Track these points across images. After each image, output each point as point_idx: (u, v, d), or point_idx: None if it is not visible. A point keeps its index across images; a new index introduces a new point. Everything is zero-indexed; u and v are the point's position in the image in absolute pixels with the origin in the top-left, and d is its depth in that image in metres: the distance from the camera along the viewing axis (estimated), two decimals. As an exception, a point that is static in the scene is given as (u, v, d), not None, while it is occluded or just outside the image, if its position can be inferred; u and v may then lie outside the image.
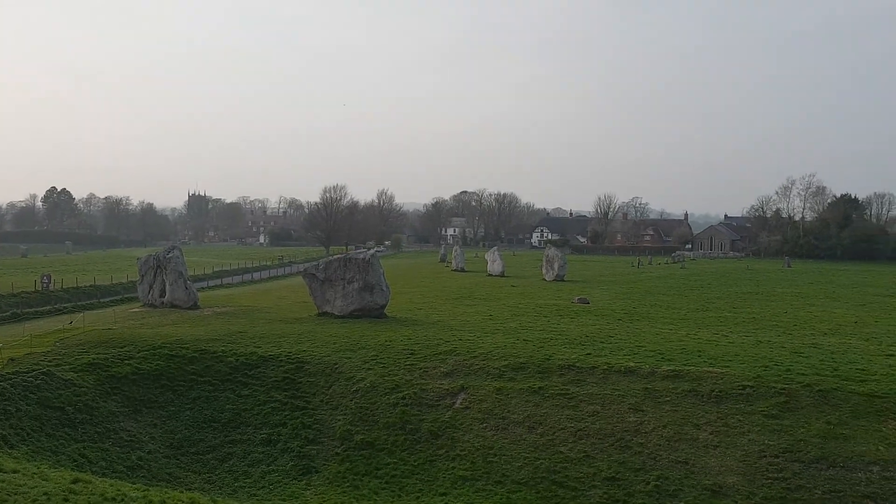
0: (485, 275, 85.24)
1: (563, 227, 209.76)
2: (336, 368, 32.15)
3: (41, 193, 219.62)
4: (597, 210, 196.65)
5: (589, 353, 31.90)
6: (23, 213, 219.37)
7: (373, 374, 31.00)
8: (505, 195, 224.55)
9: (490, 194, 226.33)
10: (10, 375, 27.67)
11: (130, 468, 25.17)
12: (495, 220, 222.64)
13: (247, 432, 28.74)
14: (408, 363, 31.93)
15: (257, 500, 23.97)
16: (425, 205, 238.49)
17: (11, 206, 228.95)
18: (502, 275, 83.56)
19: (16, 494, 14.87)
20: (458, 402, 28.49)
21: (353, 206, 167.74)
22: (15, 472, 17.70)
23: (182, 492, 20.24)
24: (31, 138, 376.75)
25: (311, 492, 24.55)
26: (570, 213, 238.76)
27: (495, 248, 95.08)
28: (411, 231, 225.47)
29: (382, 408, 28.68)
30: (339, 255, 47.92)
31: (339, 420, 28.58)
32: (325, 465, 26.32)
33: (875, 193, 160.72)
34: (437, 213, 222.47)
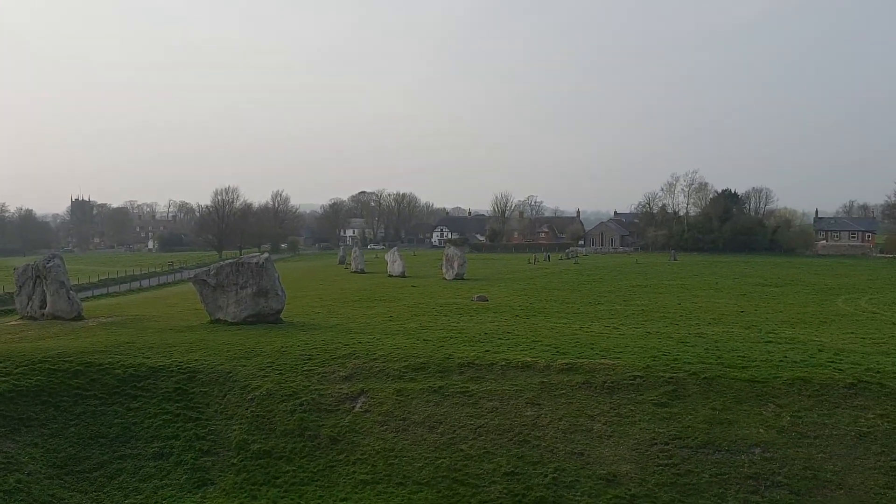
0: (385, 276, 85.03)
1: (463, 227, 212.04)
2: (230, 377, 31.25)
3: None
4: (494, 209, 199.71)
5: (488, 350, 32.25)
6: None
7: (269, 382, 30.30)
8: (404, 195, 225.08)
9: (389, 194, 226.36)
10: None
11: (8, 492, 23.64)
12: (395, 221, 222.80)
13: (137, 447, 27.54)
14: (305, 368, 31.39)
15: (149, 517, 23.03)
16: (323, 206, 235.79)
17: None
18: (403, 275, 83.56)
19: None
20: (358, 405, 28.23)
21: (247, 208, 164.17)
22: None
23: (65, 514, 19.16)
24: None
25: (207, 505, 23.77)
26: (469, 213, 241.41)
27: (395, 248, 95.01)
28: (309, 233, 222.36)
29: (280, 415, 28.08)
30: (230, 260, 46.63)
31: (235, 430, 27.80)
32: (220, 476, 25.54)
33: (753, 188, 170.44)
34: (336, 215, 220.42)
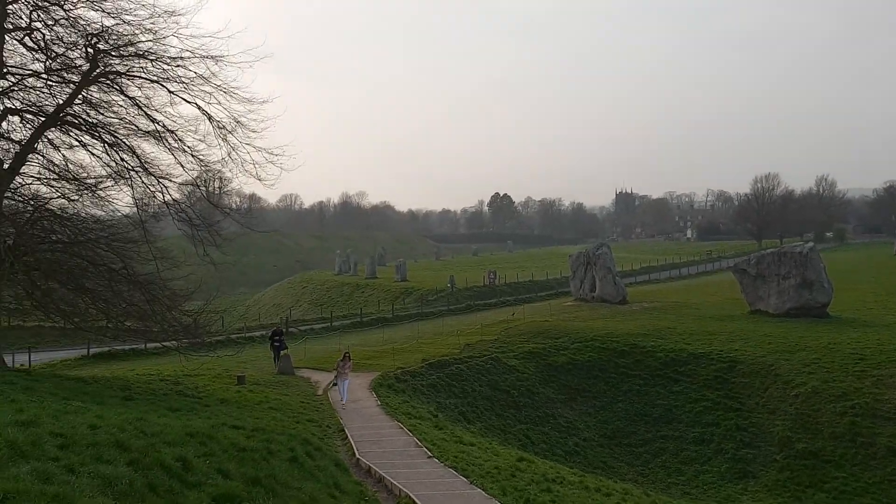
0: (958, 269, 72.34)
1: None
2: (772, 370, 30.16)
3: (487, 199, 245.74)
4: None
5: None
6: (473, 218, 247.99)
7: (814, 379, 28.38)
8: None
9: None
10: (466, 359, 31.39)
11: (568, 453, 26.76)
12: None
13: (678, 429, 28.56)
14: (856, 369, 28.54)
15: (691, 499, 23.68)
16: (875, 190, 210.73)
17: (464, 211, 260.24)
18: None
19: (472, 465, 16.85)
20: (925, 417, 24.64)
21: (788, 195, 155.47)
22: (472, 444, 20.06)
23: (616, 482, 20.91)
24: (481, 151, 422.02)
25: (748, 497, 23.48)
26: None
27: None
28: (858, 221, 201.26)
29: (827, 416, 26.12)
30: (771, 250, 44.96)
31: (778, 425, 26.78)
32: (762, 471, 24.92)
33: None
34: (892, 199, 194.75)
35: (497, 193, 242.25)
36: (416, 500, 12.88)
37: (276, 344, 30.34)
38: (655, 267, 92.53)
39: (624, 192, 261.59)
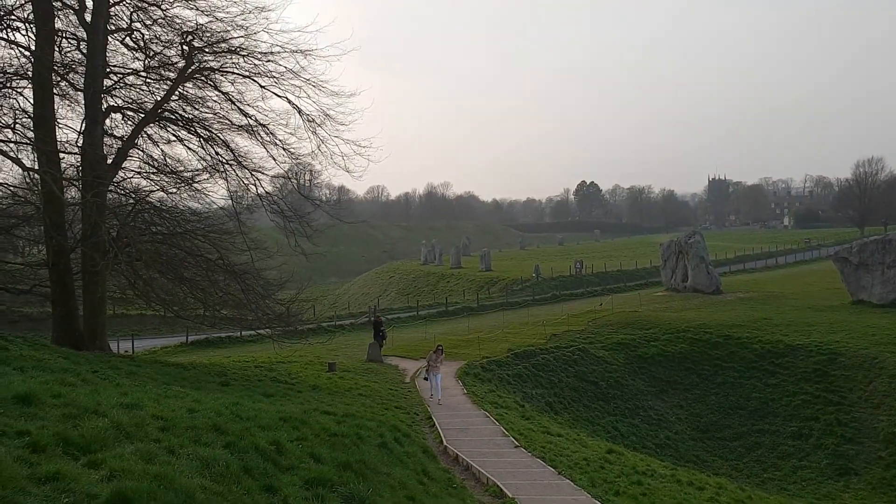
0: None
1: None
2: (876, 363, 28.75)
3: (573, 187, 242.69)
4: None
5: None
6: (558, 206, 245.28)
7: (925, 373, 26.91)
8: None
9: None
10: (553, 350, 31.13)
11: (658, 446, 26.23)
12: None
13: (775, 423, 27.61)
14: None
15: (788, 495, 22.84)
16: None
17: (549, 200, 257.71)
18: None
19: (560, 456, 16.71)
20: None
21: (893, 180, 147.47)
22: (559, 435, 19.89)
23: (709, 475, 20.35)
24: (565, 138, 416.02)
25: (850, 495, 22.49)
26: None
27: None
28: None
29: (938, 412, 24.73)
30: (875, 237, 42.82)
31: (883, 421, 25.52)
32: (865, 467, 23.82)
33: None
34: None
35: (583, 181, 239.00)
36: (504, 489, 12.85)
37: (379, 332, 30.43)
38: (751, 256, 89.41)
39: (717, 178, 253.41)
